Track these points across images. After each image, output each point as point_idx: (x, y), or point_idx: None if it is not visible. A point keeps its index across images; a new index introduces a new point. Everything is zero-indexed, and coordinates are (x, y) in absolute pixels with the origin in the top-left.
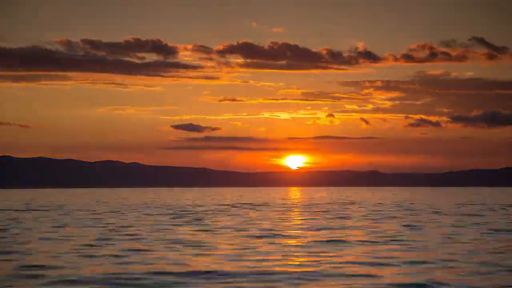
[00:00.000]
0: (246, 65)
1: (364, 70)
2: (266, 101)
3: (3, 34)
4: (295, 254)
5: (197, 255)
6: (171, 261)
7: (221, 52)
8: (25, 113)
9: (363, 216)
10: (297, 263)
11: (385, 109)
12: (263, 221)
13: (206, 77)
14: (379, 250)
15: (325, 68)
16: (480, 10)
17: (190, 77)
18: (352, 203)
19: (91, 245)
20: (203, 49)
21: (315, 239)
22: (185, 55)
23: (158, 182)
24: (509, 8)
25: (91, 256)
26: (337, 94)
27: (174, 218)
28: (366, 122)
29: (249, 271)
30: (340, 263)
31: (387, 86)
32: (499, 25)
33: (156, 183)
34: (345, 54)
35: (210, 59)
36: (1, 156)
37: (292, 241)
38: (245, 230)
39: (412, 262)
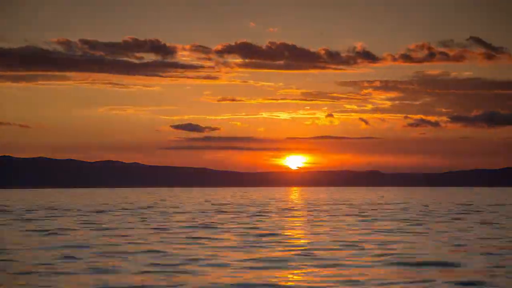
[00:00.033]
0: (245, 65)
1: (362, 70)
2: (266, 101)
3: (3, 34)
4: None
5: None
6: None
7: (220, 52)
8: (25, 113)
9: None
10: None
11: (384, 109)
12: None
13: (205, 77)
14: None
15: (324, 68)
16: (476, 10)
17: (188, 77)
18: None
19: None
20: (202, 49)
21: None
22: (183, 55)
23: (158, 182)
24: (506, 8)
25: None
26: (335, 94)
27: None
28: (366, 122)
29: None
30: None
31: (386, 86)
32: (496, 25)
33: (156, 183)
34: (343, 54)
35: (209, 59)
36: (1, 156)
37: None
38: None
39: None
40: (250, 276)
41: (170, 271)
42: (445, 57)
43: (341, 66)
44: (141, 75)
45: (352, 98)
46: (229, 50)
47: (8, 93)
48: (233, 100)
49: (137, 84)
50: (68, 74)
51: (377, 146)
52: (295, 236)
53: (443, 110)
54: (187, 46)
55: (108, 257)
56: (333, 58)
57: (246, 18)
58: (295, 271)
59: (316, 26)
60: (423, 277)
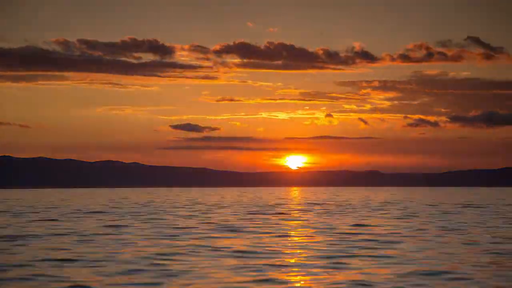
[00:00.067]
0: (243, 65)
1: (360, 70)
2: (264, 101)
3: (2, 34)
4: None
5: None
6: None
7: (218, 52)
8: (25, 113)
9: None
10: None
11: (383, 109)
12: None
13: (203, 77)
14: None
15: (322, 68)
16: (474, 10)
17: (187, 77)
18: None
19: None
20: (200, 49)
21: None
22: (181, 55)
23: (158, 182)
24: (504, 8)
25: None
26: (334, 94)
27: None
28: (365, 122)
29: None
30: None
31: (384, 86)
32: (494, 25)
33: (156, 183)
34: (342, 54)
35: (207, 59)
36: (1, 156)
37: None
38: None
39: None
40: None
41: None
42: (443, 57)
43: (339, 66)
44: (139, 75)
45: (350, 98)
46: (227, 50)
47: (8, 93)
48: (231, 100)
49: (135, 84)
50: (66, 74)
51: (376, 146)
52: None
53: (442, 110)
54: (186, 46)
55: None
56: (331, 58)
57: (244, 18)
58: None
59: (314, 26)
60: None
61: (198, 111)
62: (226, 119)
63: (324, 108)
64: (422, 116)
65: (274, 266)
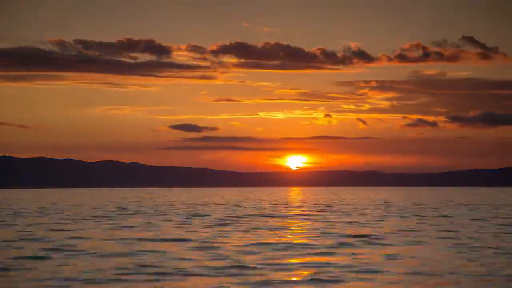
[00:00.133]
0: (241, 65)
1: (357, 70)
2: (263, 101)
3: (1, 34)
4: None
5: None
6: None
7: (215, 52)
8: (25, 113)
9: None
10: None
11: (382, 109)
12: None
13: (201, 77)
14: None
15: (319, 68)
16: (468, 10)
17: (185, 77)
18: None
19: None
20: (197, 49)
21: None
22: (178, 55)
23: (158, 182)
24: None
25: None
26: (332, 94)
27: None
28: (363, 122)
29: None
30: None
31: (382, 86)
32: (489, 25)
33: (156, 183)
34: (339, 54)
35: (204, 59)
36: (1, 156)
37: None
38: None
39: None
40: None
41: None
42: (440, 57)
43: (336, 66)
44: (137, 75)
45: (349, 98)
46: (224, 50)
47: (8, 93)
48: (230, 100)
49: (133, 84)
50: (65, 74)
51: (376, 146)
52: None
53: (440, 110)
54: (183, 46)
55: None
56: (328, 58)
57: (240, 18)
58: None
59: (310, 26)
60: None
61: (197, 111)
62: (225, 119)
63: (323, 108)
64: (420, 116)
65: None
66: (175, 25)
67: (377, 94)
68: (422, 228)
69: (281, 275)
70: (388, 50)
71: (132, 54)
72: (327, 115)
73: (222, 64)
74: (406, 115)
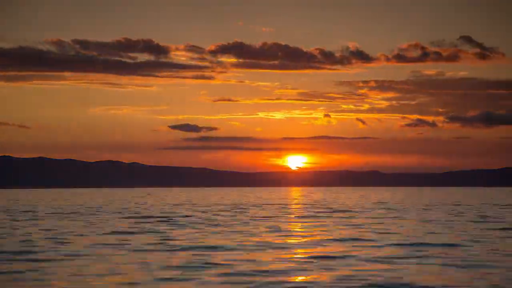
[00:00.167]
0: (239, 65)
1: (356, 70)
2: (262, 101)
3: (2, 34)
4: None
5: None
6: None
7: (213, 52)
8: (25, 113)
9: None
10: None
11: (381, 109)
12: None
13: (200, 77)
14: None
15: (318, 68)
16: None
17: (183, 77)
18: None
19: None
20: (195, 49)
21: None
22: (176, 55)
23: (158, 182)
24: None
25: None
26: (332, 94)
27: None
28: (363, 122)
29: None
30: None
31: (381, 86)
32: (487, 25)
33: (156, 183)
34: (337, 54)
35: (203, 59)
36: (1, 156)
37: None
38: None
39: None
40: None
41: None
42: (439, 56)
43: (335, 66)
44: (135, 75)
45: (348, 98)
46: (222, 50)
47: (8, 93)
48: (229, 100)
49: (132, 84)
50: (64, 74)
51: (375, 146)
52: None
53: (440, 110)
54: (181, 46)
55: None
56: (327, 58)
57: (237, 18)
58: None
59: (308, 26)
60: None
61: (196, 111)
62: (224, 119)
63: (322, 108)
64: (420, 116)
65: None
66: (173, 25)
67: (376, 94)
68: None
69: None
70: (386, 50)
71: (131, 54)
72: (327, 115)
73: (220, 64)
74: (405, 115)
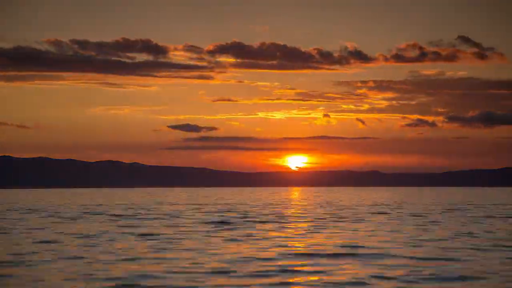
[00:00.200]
0: (238, 65)
1: (354, 70)
2: (261, 101)
3: (2, 34)
4: None
5: None
6: None
7: (212, 52)
8: (24, 113)
9: None
10: None
11: (381, 109)
12: None
13: (199, 77)
14: None
15: (317, 68)
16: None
17: (183, 77)
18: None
19: None
20: (194, 49)
21: None
22: (175, 55)
23: (158, 182)
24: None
25: None
26: (331, 94)
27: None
28: (362, 122)
29: None
30: None
31: (380, 86)
32: (484, 25)
33: (156, 183)
34: (336, 54)
35: (201, 58)
36: (1, 156)
37: None
38: None
39: None
40: None
41: None
42: (437, 56)
43: (333, 66)
44: (134, 75)
45: (347, 98)
46: (221, 50)
47: (8, 93)
48: (229, 100)
49: (132, 84)
50: (63, 74)
51: (375, 146)
52: None
53: (439, 110)
54: (179, 46)
55: None
56: (325, 58)
57: (236, 18)
58: None
59: (306, 26)
60: None
61: (196, 111)
62: (224, 119)
63: (322, 108)
64: (420, 116)
65: None
66: (171, 25)
67: (376, 94)
68: None
69: None
70: (385, 50)
71: (129, 54)
72: (326, 115)
73: (219, 64)
74: (405, 115)
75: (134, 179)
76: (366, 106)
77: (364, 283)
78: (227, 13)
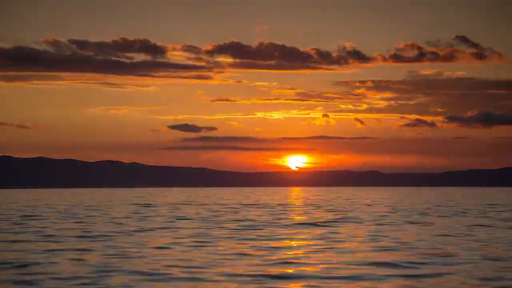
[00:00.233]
0: (236, 65)
1: (353, 70)
2: (260, 101)
3: (2, 34)
4: None
5: None
6: None
7: (210, 52)
8: (24, 113)
9: None
10: None
11: (380, 109)
12: None
13: (197, 77)
14: None
15: (315, 68)
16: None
17: (181, 77)
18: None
19: None
20: (192, 49)
21: None
22: (173, 55)
23: (159, 182)
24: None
25: None
26: (329, 94)
27: None
28: (361, 122)
29: None
30: None
31: (379, 86)
32: (482, 25)
33: (156, 183)
34: (334, 54)
35: (199, 59)
36: (1, 156)
37: None
38: None
39: None
40: None
41: None
42: (435, 56)
43: (332, 66)
44: (133, 75)
45: (346, 98)
46: (219, 50)
47: (7, 93)
48: (227, 100)
49: (130, 84)
50: (62, 74)
51: (374, 146)
52: None
53: (438, 110)
54: (178, 46)
55: None
56: (323, 58)
57: (234, 18)
58: None
59: (304, 26)
60: None
61: (194, 111)
62: (223, 119)
63: (320, 108)
64: (418, 116)
65: None
66: (170, 25)
67: (374, 94)
68: None
69: None
70: (383, 50)
71: (128, 54)
72: (325, 115)
73: (217, 64)
74: (404, 115)
75: (134, 179)
76: (364, 106)
77: None
78: (225, 13)
